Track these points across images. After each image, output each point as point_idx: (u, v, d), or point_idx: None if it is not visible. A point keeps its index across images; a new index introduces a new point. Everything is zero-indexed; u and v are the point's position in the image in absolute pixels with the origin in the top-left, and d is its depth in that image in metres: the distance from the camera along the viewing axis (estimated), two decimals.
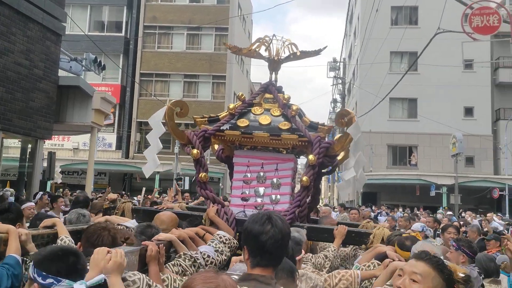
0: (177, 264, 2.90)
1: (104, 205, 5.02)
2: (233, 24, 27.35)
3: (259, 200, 4.58)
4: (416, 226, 6.28)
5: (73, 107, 11.02)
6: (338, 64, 34.68)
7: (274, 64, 5.02)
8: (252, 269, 1.95)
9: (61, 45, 10.84)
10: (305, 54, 5.02)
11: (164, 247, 2.80)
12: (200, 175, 4.53)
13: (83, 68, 13.25)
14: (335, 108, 36.01)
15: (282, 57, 4.97)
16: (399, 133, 26.14)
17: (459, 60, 18.80)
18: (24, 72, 8.94)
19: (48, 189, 16.08)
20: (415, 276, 1.86)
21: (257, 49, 4.97)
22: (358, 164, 4.40)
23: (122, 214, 4.55)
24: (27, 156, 10.36)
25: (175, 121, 4.79)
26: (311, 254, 3.71)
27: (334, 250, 3.88)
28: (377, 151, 26.15)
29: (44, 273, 1.80)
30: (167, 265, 2.83)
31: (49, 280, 1.78)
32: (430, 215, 11.80)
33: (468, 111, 25.99)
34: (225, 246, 3.44)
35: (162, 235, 3.02)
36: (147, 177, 5.06)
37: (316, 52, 4.96)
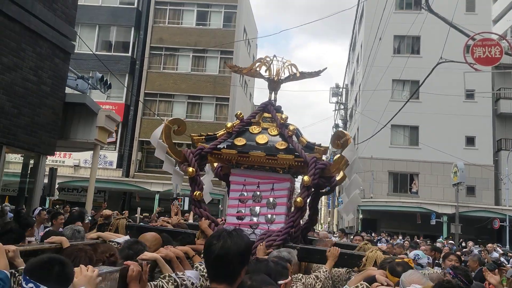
0: (159, 286, 2.80)
1: (98, 221, 5.02)
2: (238, 48, 27.74)
3: (254, 219, 4.57)
4: (410, 255, 6.24)
5: (78, 124, 11.11)
6: (340, 90, 34.98)
7: (274, 84, 5.06)
8: (210, 284, 1.98)
9: (69, 63, 11.00)
10: (305, 75, 5.05)
11: (149, 265, 2.78)
12: (194, 193, 4.54)
13: (89, 86, 13.42)
14: None
15: (282, 78, 5.01)
16: (400, 160, 26.16)
17: (460, 89, 18.96)
18: (32, 88, 9.06)
19: (47, 206, 16.04)
20: None
21: (257, 69, 5.03)
22: (352, 185, 4.33)
23: (116, 231, 4.56)
24: (29, 171, 10.39)
25: (175, 139, 4.86)
26: (301, 274, 3.67)
27: (326, 271, 3.83)
28: (378, 178, 26.12)
29: (27, 278, 1.90)
30: (148, 284, 2.78)
31: (30, 285, 1.88)
32: (428, 243, 11.76)
33: (470, 141, 26.06)
34: None
35: (147, 254, 3.00)
36: (179, 191, 5.16)
37: (316, 73, 5.01)
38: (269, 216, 4.53)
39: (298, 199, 4.26)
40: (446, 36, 12.53)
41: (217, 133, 4.81)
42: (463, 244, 16.96)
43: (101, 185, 24.53)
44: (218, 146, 4.63)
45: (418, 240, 16.04)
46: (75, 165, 26.03)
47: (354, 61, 35.61)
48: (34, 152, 9.66)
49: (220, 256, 1.93)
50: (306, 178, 4.25)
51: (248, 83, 32.74)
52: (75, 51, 11.46)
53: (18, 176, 11.25)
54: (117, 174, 26.59)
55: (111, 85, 15.44)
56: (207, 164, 5.10)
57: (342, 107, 34.19)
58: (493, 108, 26.55)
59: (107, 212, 5.16)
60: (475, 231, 24.55)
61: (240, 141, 4.60)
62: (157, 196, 24.99)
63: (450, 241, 16.22)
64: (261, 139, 4.59)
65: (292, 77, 5.01)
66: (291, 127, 4.55)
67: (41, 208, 9.50)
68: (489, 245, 13.57)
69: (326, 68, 5.02)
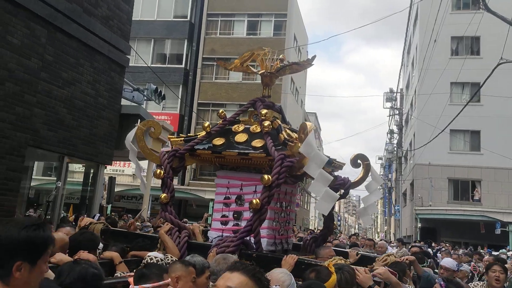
0: None
1: (78, 226, 5.10)
2: (289, 56, 27.73)
3: (238, 223, 4.30)
4: (449, 261, 5.46)
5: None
6: (395, 94, 33.99)
7: (267, 79, 4.80)
8: None
9: (126, 76, 11.47)
10: (298, 66, 4.83)
11: None
12: (160, 196, 4.37)
13: (145, 97, 13.95)
14: (392, 140, 35.09)
15: (273, 71, 4.76)
16: (460, 167, 24.91)
17: None
18: (90, 101, 9.53)
19: (108, 212, 16.80)
20: None
21: (248, 64, 4.80)
22: (319, 182, 3.81)
23: None
24: (90, 180, 10.91)
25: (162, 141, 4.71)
26: None
27: None
28: (437, 185, 25.02)
29: None
30: None
31: None
32: (492, 253, 11.08)
33: None
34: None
35: None
36: (143, 193, 4.98)
37: (308, 63, 4.76)
38: None
39: (254, 201, 3.79)
40: (506, 35, 11.84)
41: (198, 134, 4.62)
42: None
43: (158, 193, 25.26)
44: (195, 147, 4.38)
45: (481, 251, 15.15)
46: (133, 174, 27.03)
47: (409, 65, 34.50)
48: (93, 162, 10.14)
49: None
50: (265, 176, 3.82)
51: (299, 90, 32.64)
52: (132, 64, 11.94)
53: (80, 185, 11.87)
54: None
55: (165, 96, 15.95)
56: None
57: (397, 112, 33.18)
58: None
59: (87, 220, 5.26)
60: None
61: (218, 141, 4.38)
62: (211, 204, 25.37)
63: (509, 252, 15.18)
64: (241, 137, 4.34)
65: (284, 69, 4.73)
66: (265, 123, 4.22)
67: (99, 215, 9.97)
68: None
69: (315, 56, 4.75)
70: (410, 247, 11.14)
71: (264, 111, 4.38)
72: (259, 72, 4.78)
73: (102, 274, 2.40)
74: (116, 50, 10.30)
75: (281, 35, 28.16)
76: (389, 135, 35.23)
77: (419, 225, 25.27)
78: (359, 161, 4.59)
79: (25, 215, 9.19)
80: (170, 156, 4.41)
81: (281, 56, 4.86)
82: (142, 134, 4.61)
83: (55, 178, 9.38)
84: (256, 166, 4.23)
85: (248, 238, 3.98)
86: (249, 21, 28.73)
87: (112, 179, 13.86)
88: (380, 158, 45.39)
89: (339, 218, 69.06)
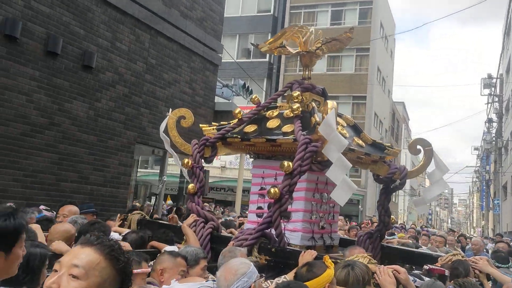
0: None
1: (121, 216, 5.30)
2: (375, 44, 26.93)
3: None
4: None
5: None
6: (494, 80, 31.50)
7: (305, 59, 4.43)
8: None
9: (217, 74, 11.97)
10: (338, 42, 4.42)
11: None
12: (188, 186, 4.19)
13: (233, 93, 14.43)
14: (490, 129, 32.65)
15: (313, 48, 4.38)
16: None
17: None
18: (188, 99, 10.10)
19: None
20: (75, 270, 1.25)
21: (285, 45, 4.44)
22: (338, 168, 3.35)
23: (131, 225, 4.75)
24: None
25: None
26: None
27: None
28: None
29: None
30: None
31: None
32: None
33: None
34: None
35: None
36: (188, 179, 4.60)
37: (347, 37, 4.40)
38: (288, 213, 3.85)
39: (272, 190, 3.43)
40: None
41: (231, 122, 4.39)
42: None
43: (246, 185, 26.05)
44: (226, 135, 4.16)
45: None
46: (221, 166, 28.06)
47: (509, 48, 31.73)
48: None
49: None
50: (285, 163, 3.47)
51: (386, 79, 31.56)
52: None
53: (177, 177, 12.63)
54: None
55: (252, 91, 16.35)
56: None
57: (496, 99, 30.74)
58: None
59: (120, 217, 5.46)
60: None
61: (250, 128, 4.12)
62: None
63: None
64: (273, 123, 4.04)
65: (323, 47, 4.35)
66: (294, 106, 3.88)
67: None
68: None
69: (353, 28, 4.37)
70: (495, 242, 10.14)
71: (296, 93, 4.06)
72: (295, 52, 4.45)
73: (43, 255, 2.26)
74: (209, 50, 10.78)
75: (367, 23, 27.39)
76: (487, 124, 32.77)
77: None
78: (418, 146, 4.21)
79: (132, 205, 10.01)
80: (200, 145, 4.27)
81: (319, 32, 4.58)
82: (173, 123, 4.57)
83: (151, 170, 10.07)
84: (288, 153, 3.88)
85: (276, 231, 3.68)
86: (332, 11, 28.30)
87: (206, 172, 14.54)
88: (476, 149, 42.45)
89: (430, 212, 65.87)
